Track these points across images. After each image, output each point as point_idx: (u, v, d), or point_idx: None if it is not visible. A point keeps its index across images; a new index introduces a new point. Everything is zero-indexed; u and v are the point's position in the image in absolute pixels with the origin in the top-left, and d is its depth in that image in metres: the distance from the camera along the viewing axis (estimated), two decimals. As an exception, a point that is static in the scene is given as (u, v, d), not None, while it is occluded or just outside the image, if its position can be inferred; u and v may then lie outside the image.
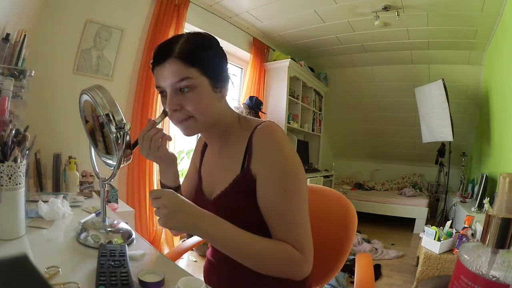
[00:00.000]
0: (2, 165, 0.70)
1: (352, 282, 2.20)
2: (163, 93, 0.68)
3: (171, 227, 0.60)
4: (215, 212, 0.71)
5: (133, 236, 0.83)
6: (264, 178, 0.66)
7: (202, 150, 0.87)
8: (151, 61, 0.68)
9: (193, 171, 0.89)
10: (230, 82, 0.73)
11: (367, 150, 5.20)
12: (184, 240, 1.15)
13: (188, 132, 0.71)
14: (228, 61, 0.73)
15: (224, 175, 0.73)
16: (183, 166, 2.88)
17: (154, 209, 0.61)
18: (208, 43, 0.68)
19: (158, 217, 0.60)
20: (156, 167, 2.46)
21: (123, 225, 0.86)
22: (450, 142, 3.55)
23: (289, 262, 0.62)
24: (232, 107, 0.78)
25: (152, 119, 0.73)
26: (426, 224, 2.84)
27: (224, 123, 0.74)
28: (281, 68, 3.55)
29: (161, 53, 0.65)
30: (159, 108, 2.42)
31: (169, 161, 0.78)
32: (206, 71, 0.65)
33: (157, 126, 0.72)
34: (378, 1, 2.69)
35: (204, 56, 0.66)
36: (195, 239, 1.09)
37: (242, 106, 3.09)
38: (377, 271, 2.47)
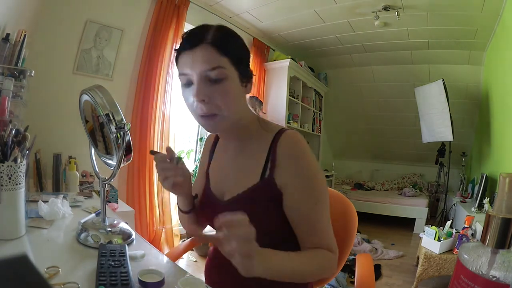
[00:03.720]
0: (2, 165, 0.70)
1: (352, 282, 2.20)
2: (187, 82, 0.63)
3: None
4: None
5: (133, 236, 0.83)
6: (294, 191, 0.65)
7: (211, 149, 0.84)
8: (176, 47, 0.65)
9: (203, 173, 0.85)
10: (253, 79, 0.72)
11: (367, 150, 5.20)
12: (184, 240, 1.15)
13: (214, 130, 0.69)
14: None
15: (240, 177, 0.70)
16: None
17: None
18: (236, 35, 0.68)
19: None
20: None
21: (123, 225, 0.86)
22: (450, 142, 3.55)
23: (329, 266, 0.64)
24: None
25: (173, 153, 0.68)
26: (426, 224, 2.84)
27: (245, 121, 0.71)
28: (281, 68, 3.54)
29: (194, 38, 0.62)
30: (159, 108, 2.42)
31: (180, 193, 0.74)
32: (236, 63, 0.64)
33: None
34: (378, 1, 2.69)
35: (235, 46, 0.65)
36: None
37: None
38: (377, 271, 2.47)
